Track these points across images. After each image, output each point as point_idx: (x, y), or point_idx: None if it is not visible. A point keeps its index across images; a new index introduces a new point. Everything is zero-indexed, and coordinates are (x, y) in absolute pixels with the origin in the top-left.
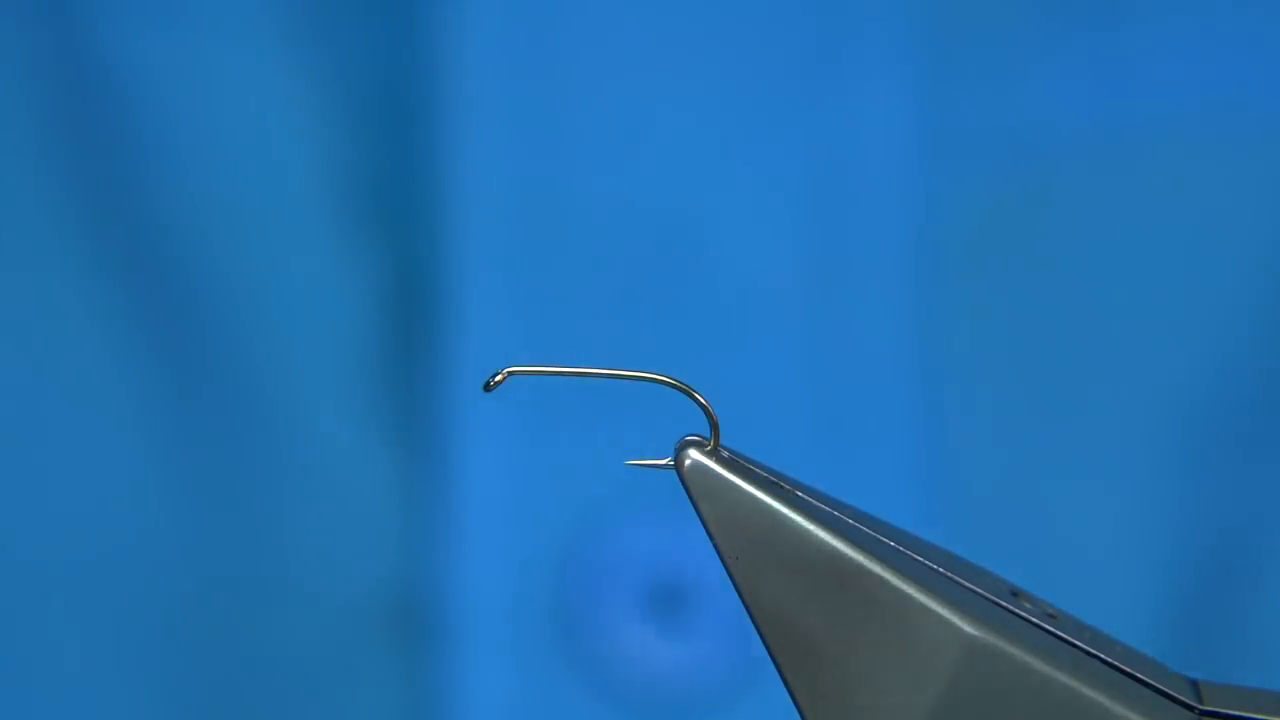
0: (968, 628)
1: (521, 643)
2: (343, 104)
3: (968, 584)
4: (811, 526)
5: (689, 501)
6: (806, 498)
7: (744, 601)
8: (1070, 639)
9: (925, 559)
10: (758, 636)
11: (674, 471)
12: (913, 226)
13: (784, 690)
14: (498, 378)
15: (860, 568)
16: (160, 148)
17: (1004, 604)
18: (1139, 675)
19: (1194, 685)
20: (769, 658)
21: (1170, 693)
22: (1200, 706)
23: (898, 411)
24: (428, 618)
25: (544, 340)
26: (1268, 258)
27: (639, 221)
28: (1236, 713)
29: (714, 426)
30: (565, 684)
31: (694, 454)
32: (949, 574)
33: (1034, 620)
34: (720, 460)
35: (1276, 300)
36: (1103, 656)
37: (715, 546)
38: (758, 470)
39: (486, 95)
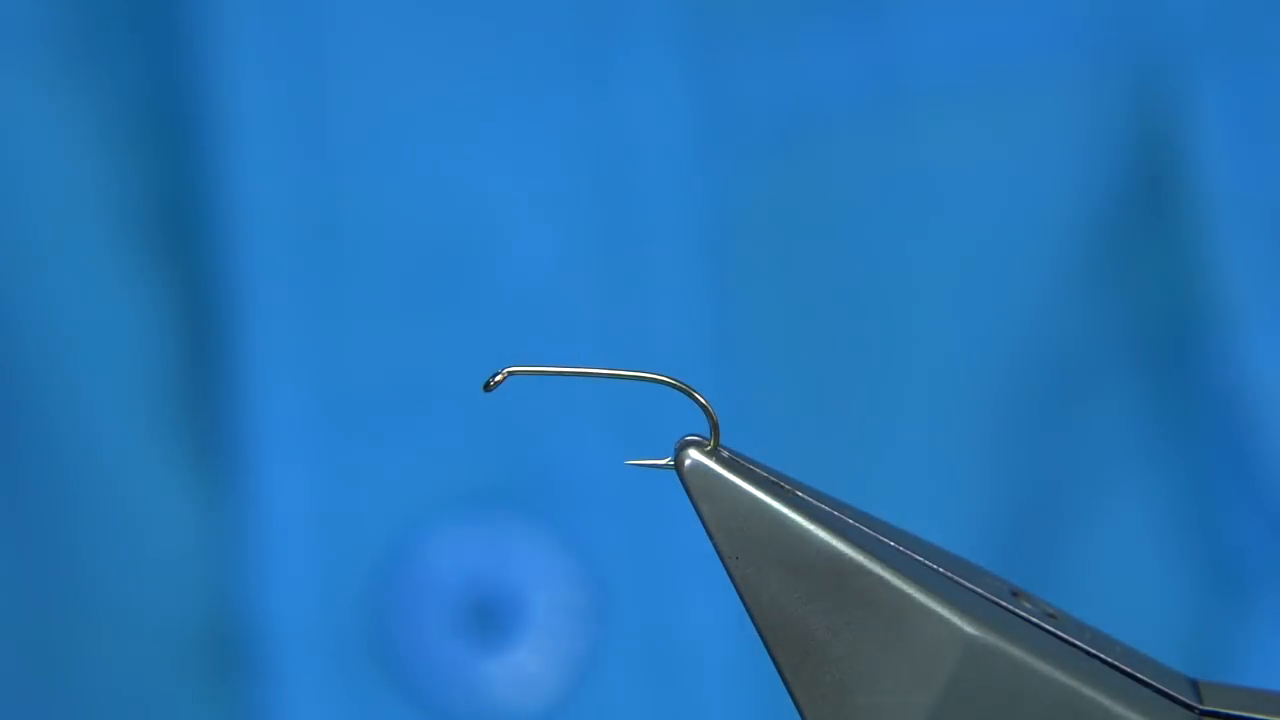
0: (968, 628)
1: (334, 661)
2: (118, 123)
3: (968, 584)
4: (811, 526)
5: (689, 502)
6: (806, 498)
7: (744, 601)
8: (1070, 639)
9: (925, 559)
10: (758, 636)
11: (674, 471)
12: (696, 210)
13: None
14: (498, 378)
15: (860, 568)
16: None
17: (1004, 604)
18: (1139, 675)
19: (1194, 685)
20: (769, 658)
21: (1170, 693)
22: (1200, 706)
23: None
24: (237, 641)
25: (334, 347)
26: (1046, 211)
27: (423, 225)
28: (1236, 713)
29: (714, 427)
30: (381, 699)
31: (694, 454)
32: (949, 574)
33: (1034, 620)
34: (720, 460)
35: (1059, 252)
36: (1103, 656)
37: (715, 546)
38: (758, 470)
39: (263, 108)
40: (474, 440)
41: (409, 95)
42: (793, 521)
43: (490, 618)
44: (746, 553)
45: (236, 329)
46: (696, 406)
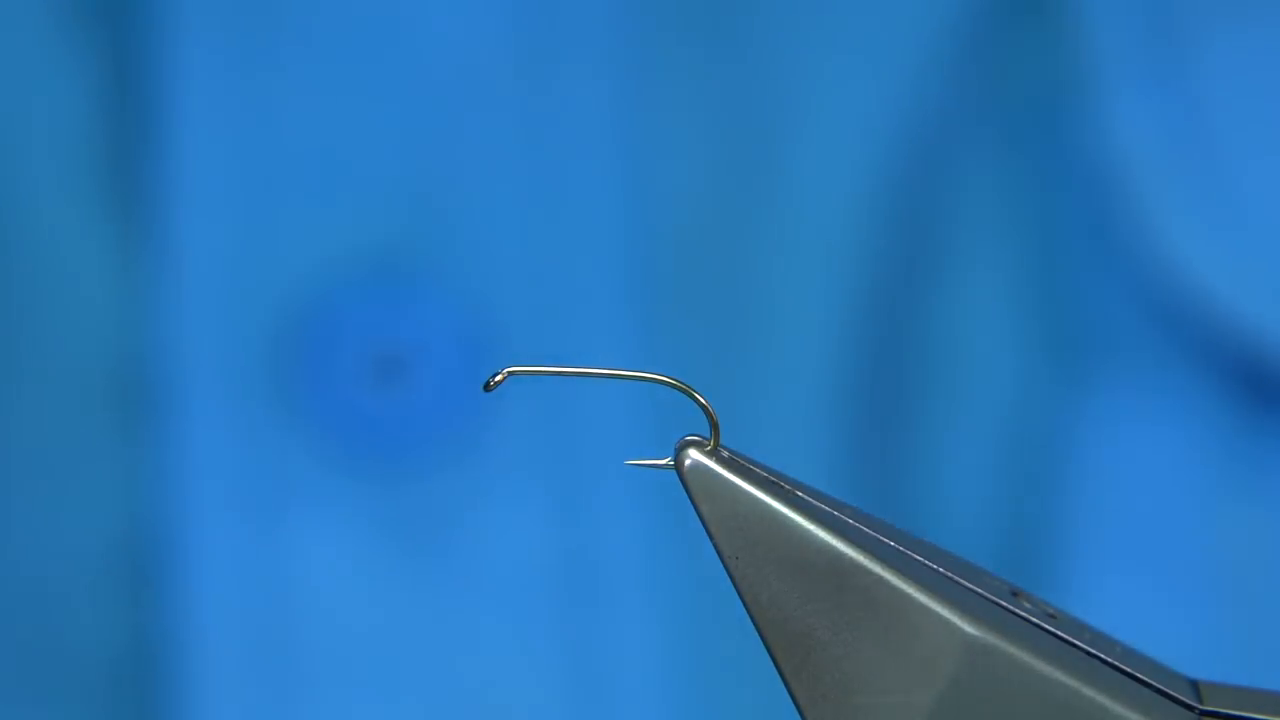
0: (968, 628)
1: (238, 404)
2: None
3: (968, 584)
4: (811, 526)
5: (689, 502)
6: (806, 498)
7: (744, 601)
8: (1070, 639)
9: (925, 559)
10: (758, 636)
11: (674, 471)
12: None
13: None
14: (498, 377)
15: (860, 568)
16: None
17: (1004, 604)
18: (1139, 675)
19: (1194, 685)
20: (769, 658)
21: (1170, 693)
22: (1200, 706)
23: (603, 181)
24: (146, 382)
25: (257, 101)
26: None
27: (348, 3)
28: (1236, 713)
29: (714, 427)
30: (283, 442)
31: (694, 454)
32: (949, 574)
33: (1034, 620)
34: (720, 460)
35: (927, 24)
36: (1103, 656)
37: (715, 546)
38: (758, 470)
39: None
40: (389, 199)
41: None
42: (793, 521)
43: (390, 366)
44: (746, 552)
45: (160, 79)
46: (696, 405)
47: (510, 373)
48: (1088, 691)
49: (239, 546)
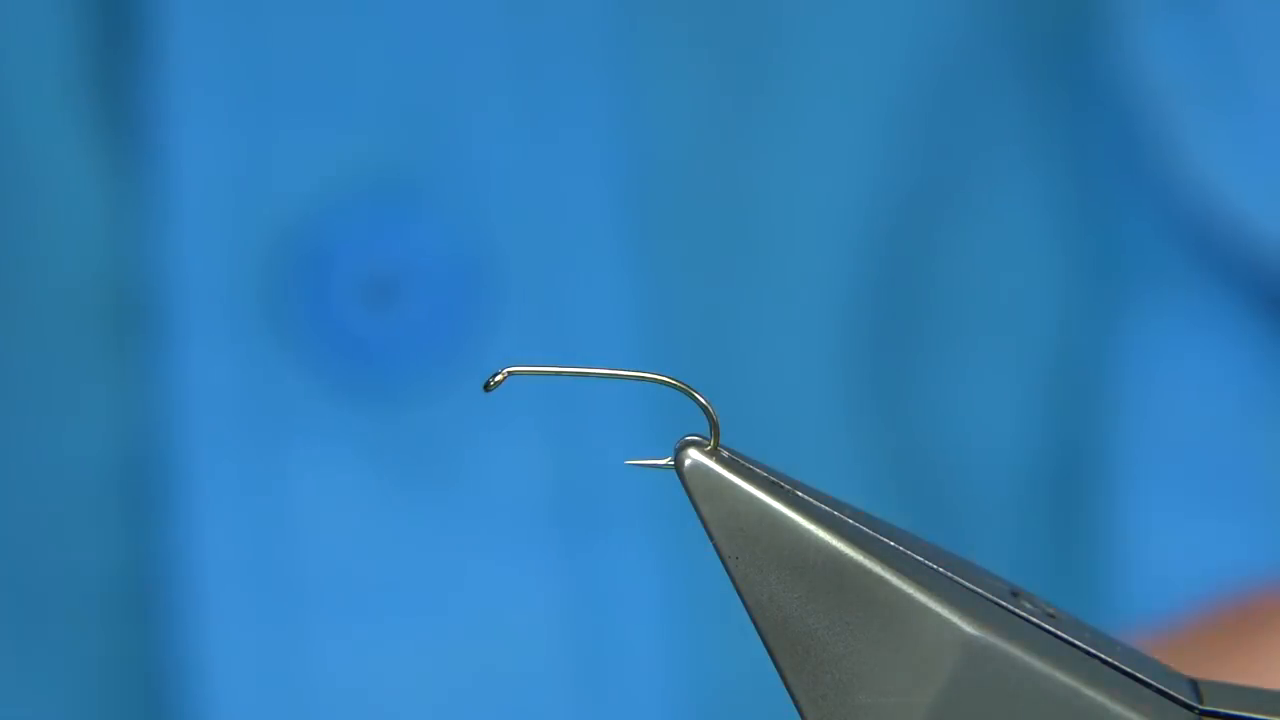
0: (968, 628)
1: (232, 325)
2: None
3: (968, 584)
4: (811, 526)
5: (689, 502)
6: (806, 498)
7: (744, 601)
8: (1070, 639)
9: (925, 559)
10: (758, 636)
11: (674, 471)
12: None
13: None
14: (498, 377)
15: (860, 568)
16: None
17: (1004, 604)
18: (1139, 675)
19: (1194, 685)
20: (769, 658)
21: (1170, 693)
22: (1200, 706)
23: (597, 101)
24: (139, 304)
25: (254, 20)
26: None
27: None
28: (1236, 713)
29: (714, 426)
30: (277, 363)
31: (694, 454)
32: (949, 574)
33: (1034, 620)
34: (720, 460)
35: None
36: (1103, 656)
37: (715, 546)
38: (758, 470)
39: None
40: (386, 124)
41: None
42: (793, 521)
43: (387, 290)
44: (746, 553)
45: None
46: (696, 405)
47: (510, 373)
48: (1088, 691)
49: (235, 471)
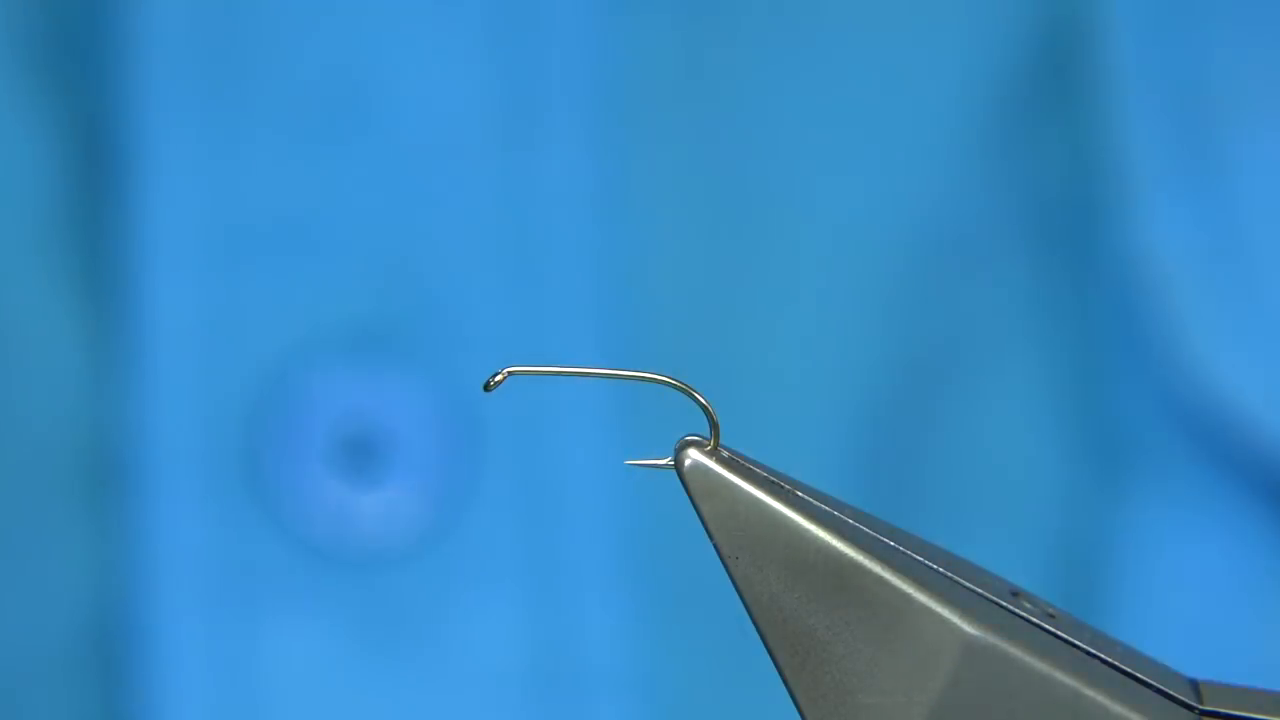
0: (968, 628)
1: (207, 484)
2: None
3: (968, 584)
4: (811, 526)
5: (689, 501)
6: (806, 497)
7: (744, 601)
8: (1070, 639)
9: (925, 559)
10: (758, 636)
11: (674, 471)
12: (597, 66)
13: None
14: (498, 378)
15: (860, 568)
16: None
17: (1004, 604)
18: (1139, 675)
19: (1194, 685)
20: (769, 658)
21: (1170, 693)
22: (1200, 706)
23: (586, 253)
24: (113, 459)
25: (228, 174)
26: (949, 82)
27: (325, 60)
28: (1236, 713)
29: (714, 426)
30: (251, 525)
31: (694, 454)
32: (949, 574)
33: (1034, 620)
34: (720, 460)
35: (960, 124)
36: (1103, 656)
37: (715, 546)
38: (757, 470)
39: None
40: (362, 276)
41: None
42: (793, 521)
43: (364, 452)
44: (746, 553)
45: (130, 149)
46: (696, 406)
47: (510, 373)
48: (1088, 691)
49: (206, 634)
